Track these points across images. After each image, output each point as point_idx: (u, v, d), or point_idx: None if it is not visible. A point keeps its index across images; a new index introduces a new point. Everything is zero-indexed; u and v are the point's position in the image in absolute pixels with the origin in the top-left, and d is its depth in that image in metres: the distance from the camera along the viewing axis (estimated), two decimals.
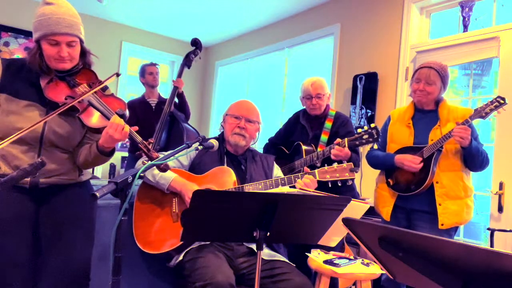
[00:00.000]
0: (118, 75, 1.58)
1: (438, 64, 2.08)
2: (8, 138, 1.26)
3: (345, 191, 2.31)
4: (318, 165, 2.20)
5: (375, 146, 2.26)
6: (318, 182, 1.86)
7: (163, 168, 1.50)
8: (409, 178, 2.04)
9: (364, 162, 2.40)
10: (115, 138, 1.45)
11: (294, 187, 1.86)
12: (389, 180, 2.14)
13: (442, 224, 1.96)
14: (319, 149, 2.32)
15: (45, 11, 1.45)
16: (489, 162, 2.00)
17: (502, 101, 1.88)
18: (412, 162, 1.99)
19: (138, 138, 1.49)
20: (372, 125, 2.08)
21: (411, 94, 2.17)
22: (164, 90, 5.34)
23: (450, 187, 1.98)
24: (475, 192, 2.13)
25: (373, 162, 2.24)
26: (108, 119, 1.48)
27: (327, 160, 2.14)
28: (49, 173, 1.52)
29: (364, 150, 2.59)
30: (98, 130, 1.50)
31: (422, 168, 1.99)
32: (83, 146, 1.61)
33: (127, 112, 1.56)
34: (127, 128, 1.46)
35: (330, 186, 1.89)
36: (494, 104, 1.89)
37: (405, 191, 2.06)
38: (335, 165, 1.87)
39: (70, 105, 1.44)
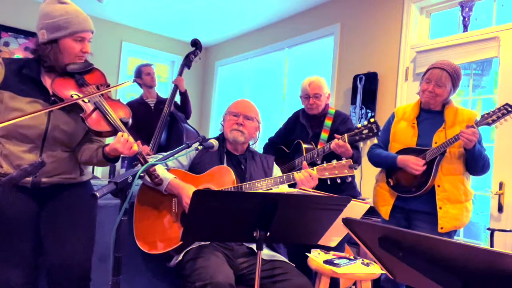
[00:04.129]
0: (134, 81, 1.63)
1: (451, 65, 2.00)
2: (12, 120, 1.28)
3: (346, 189, 2.31)
4: (318, 162, 2.19)
5: (375, 141, 2.24)
6: (318, 179, 1.85)
7: (157, 182, 1.55)
8: (410, 180, 2.03)
9: (364, 161, 2.39)
10: (124, 154, 1.48)
11: (293, 185, 1.86)
12: (389, 180, 2.13)
13: (441, 228, 1.95)
14: (319, 147, 2.32)
15: (68, 10, 1.50)
16: (489, 167, 1.98)
17: (510, 109, 1.82)
18: (415, 164, 1.97)
19: (142, 155, 1.51)
20: (372, 120, 2.08)
21: (419, 93, 2.11)
22: (164, 90, 5.34)
23: (451, 191, 1.96)
24: (475, 192, 2.12)
25: (375, 160, 2.21)
26: (111, 124, 1.49)
27: (328, 157, 2.14)
28: (51, 172, 1.52)
29: (364, 148, 2.59)
30: (100, 134, 1.50)
31: (424, 171, 1.97)
32: (85, 144, 1.61)
33: (130, 120, 1.57)
34: (135, 147, 1.48)
35: (329, 183, 1.87)
36: (502, 112, 1.83)
37: (405, 193, 2.04)
38: (334, 162, 1.86)
39: (74, 101, 1.45)
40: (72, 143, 1.58)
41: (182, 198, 1.76)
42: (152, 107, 3.45)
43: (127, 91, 5.20)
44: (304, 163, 1.90)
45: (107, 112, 1.50)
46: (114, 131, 1.50)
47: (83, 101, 1.50)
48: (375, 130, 2.04)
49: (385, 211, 2.14)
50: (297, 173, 1.83)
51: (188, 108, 3.48)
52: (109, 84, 1.60)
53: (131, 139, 1.48)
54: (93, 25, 1.58)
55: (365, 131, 2.06)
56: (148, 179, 1.74)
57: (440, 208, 1.96)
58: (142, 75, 3.46)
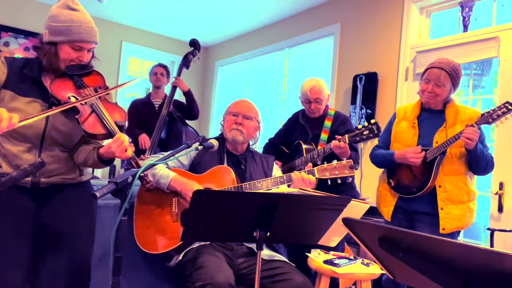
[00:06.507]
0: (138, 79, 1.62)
1: (449, 64, 1.98)
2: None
3: (346, 190, 2.31)
4: (319, 163, 2.20)
5: (376, 142, 2.23)
6: (318, 179, 1.85)
7: (148, 188, 1.51)
8: (411, 181, 2.01)
9: (364, 161, 2.40)
10: (116, 155, 1.47)
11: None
12: (390, 180, 2.11)
13: (443, 229, 1.93)
14: (319, 147, 2.32)
15: (73, 18, 1.49)
16: (493, 166, 1.95)
17: (510, 107, 1.80)
18: (413, 153, 1.95)
19: (135, 160, 1.50)
20: (372, 121, 2.08)
21: (419, 93, 2.09)
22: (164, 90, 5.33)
23: (453, 191, 1.94)
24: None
25: (375, 160, 2.20)
26: (106, 127, 1.48)
27: (328, 158, 2.14)
28: (50, 172, 1.52)
29: (364, 148, 2.59)
30: (94, 136, 1.50)
31: (424, 171, 1.96)
32: (81, 146, 1.61)
33: (126, 124, 1.56)
34: (129, 151, 1.47)
35: (329, 183, 1.88)
36: (502, 110, 1.81)
37: (406, 193, 2.03)
38: (334, 162, 1.86)
39: (72, 105, 1.44)
40: (69, 143, 1.58)
41: (186, 193, 1.76)
42: (157, 108, 3.45)
43: (128, 91, 5.20)
44: (310, 164, 1.90)
45: (102, 115, 1.50)
46: (108, 134, 1.49)
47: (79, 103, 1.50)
48: (376, 131, 2.04)
49: (387, 212, 2.12)
50: (295, 173, 1.83)
51: (195, 108, 3.43)
52: (107, 87, 1.59)
53: (126, 142, 1.47)
54: (97, 37, 1.56)
55: (366, 132, 2.06)
56: (150, 176, 1.74)
57: (442, 208, 1.94)
58: (151, 74, 3.51)
